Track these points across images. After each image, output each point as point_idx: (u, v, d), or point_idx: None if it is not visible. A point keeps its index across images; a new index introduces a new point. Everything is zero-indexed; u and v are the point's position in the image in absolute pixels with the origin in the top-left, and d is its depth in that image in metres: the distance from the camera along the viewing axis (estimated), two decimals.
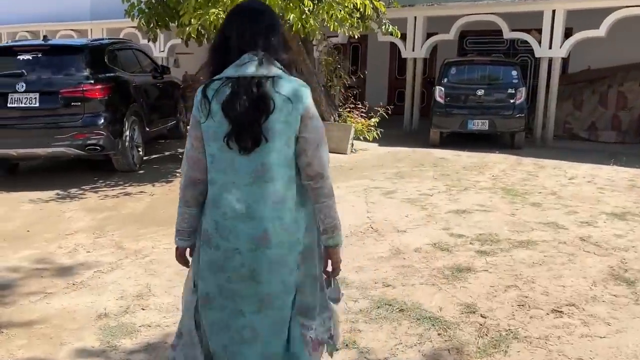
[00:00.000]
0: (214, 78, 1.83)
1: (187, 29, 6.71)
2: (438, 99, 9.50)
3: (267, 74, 1.78)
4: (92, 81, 6.61)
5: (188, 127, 1.95)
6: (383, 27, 9.36)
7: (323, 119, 9.32)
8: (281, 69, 1.83)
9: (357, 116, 8.97)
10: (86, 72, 6.67)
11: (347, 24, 8.23)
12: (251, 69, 1.77)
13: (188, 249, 2.06)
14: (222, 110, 1.77)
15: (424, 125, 10.81)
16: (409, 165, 7.90)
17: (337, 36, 12.12)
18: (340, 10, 7.72)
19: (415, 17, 11.18)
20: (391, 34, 9.51)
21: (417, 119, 11.69)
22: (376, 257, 4.15)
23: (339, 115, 9.12)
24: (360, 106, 9.08)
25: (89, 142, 6.56)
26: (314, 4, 7.56)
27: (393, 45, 13.42)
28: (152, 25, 8.03)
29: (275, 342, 1.90)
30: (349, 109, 9.18)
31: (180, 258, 2.08)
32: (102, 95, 6.65)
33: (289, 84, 1.80)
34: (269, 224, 1.79)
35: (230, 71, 1.80)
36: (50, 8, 17.70)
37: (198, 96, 1.83)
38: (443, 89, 9.47)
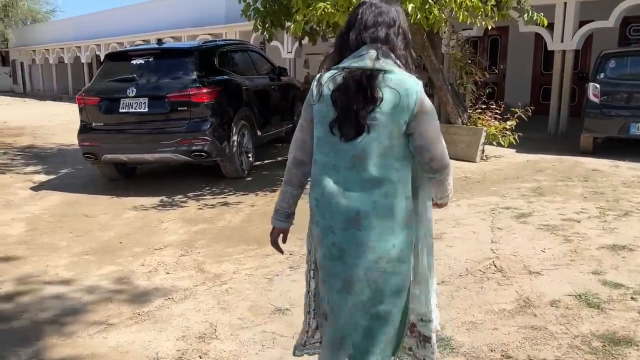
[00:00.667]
0: (332, 68, 1.91)
1: (293, 26, 6.15)
2: (592, 97, 7.96)
3: (380, 67, 1.82)
4: (199, 85, 6.35)
5: None
6: (525, 15, 8.06)
7: (449, 121, 8.29)
8: (397, 64, 1.86)
9: (490, 118, 7.80)
10: (193, 76, 6.43)
11: (480, 13, 7.15)
12: (366, 62, 1.83)
13: (282, 235, 2.14)
14: (331, 96, 1.86)
15: (574, 128, 9.26)
16: (551, 178, 6.61)
17: (471, 29, 10.99)
18: None
19: (566, 3, 9.60)
20: (536, 23, 8.19)
21: (565, 120, 10.08)
22: (497, 310, 3.19)
23: (469, 118, 8.02)
24: (494, 107, 7.89)
25: (193, 148, 6.32)
26: None
27: (538, 37, 11.80)
28: (267, 25, 7.65)
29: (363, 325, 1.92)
30: (480, 110, 8.04)
31: (275, 244, 2.15)
32: (209, 99, 6.36)
33: (399, 78, 1.83)
34: (361, 207, 1.83)
35: (347, 62, 1.87)
36: (189, 14, 18.58)
37: (314, 82, 1.93)
38: (598, 85, 7.91)
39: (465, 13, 6.94)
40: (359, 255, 1.85)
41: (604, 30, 9.99)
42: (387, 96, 1.79)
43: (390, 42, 1.87)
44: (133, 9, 22.76)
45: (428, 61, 7.89)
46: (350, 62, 1.85)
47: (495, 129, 7.74)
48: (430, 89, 8.23)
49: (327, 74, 1.89)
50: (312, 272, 2.07)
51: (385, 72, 1.81)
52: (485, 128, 7.66)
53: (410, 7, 5.91)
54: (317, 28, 7.49)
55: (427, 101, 1.85)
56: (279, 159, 8.39)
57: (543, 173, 6.89)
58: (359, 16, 1.91)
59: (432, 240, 2.06)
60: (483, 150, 7.85)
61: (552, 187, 6.11)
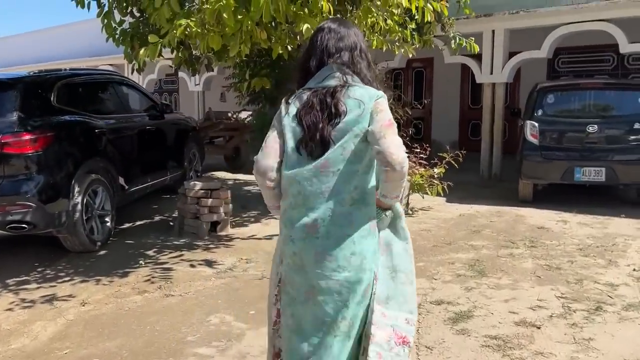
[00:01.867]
0: (296, 91, 1.99)
1: (143, 51, 4.55)
2: (530, 138, 6.81)
3: (345, 82, 1.90)
4: (19, 130, 4.57)
5: None
6: (452, 42, 6.87)
7: None
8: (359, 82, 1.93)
9: (414, 164, 6.44)
10: (13, 117, 4.64)
11: (398, 39, 5.84)
12: (330, 82, 1.91)
13: None
14: (297, 114, 1.92)
15: (508, 169, 8.16)
16: (492, 243, 5.26)
17: (392, 59, 9.84)
18: (386, 19, 5.36)
19: (494, 31, 8.58)
20: (465, 52, 7.06)
21: (498, 160, 8.96)
22: None
23: None
24: (418, 150, 6.56)
25: (9, 218, 4.50)
26: (342, 10, 5.26)
27: (465, 68, 10.82)
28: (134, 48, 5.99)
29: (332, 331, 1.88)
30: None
31: None
32: (34, 149, 4.59)
33: (363, 90, 1.88)
34: (319, 214, 1.83)
35: (312, 83, 1.95)
36: (90, 43, 16.56)
37: (283, 102, 2.00)
38: (537, 124, 6.78)
39: (380, 38, 5.61)
40: (319, 264, 1.84)
41: (532, 62, 9.07)
42: (350, 107, 1.85)
43: (355, 65, 1.94)
44: (28, 37, 20.40)
45: None
46: (316, 83, 1.93)
47: (421, 176, 6.38)
48: None
49: (294, 95, 1.96)
50: (275, 298, 2.01)
51: (349, 86, 1.89)
52: (408, 177, 6.29)
53: (304, 27, 4.48)
54: (200, 54, 5.93)
55: (384, 103, 1.87)
56: (157, 218, 6.63)
57: (481, 235, 5.55)
58: (319, 42, 1.97)
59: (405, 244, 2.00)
60: (408, 203, 6.47)
61: (494, 259, 4.74)
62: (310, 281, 1.85)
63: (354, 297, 1.84)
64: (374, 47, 5.59)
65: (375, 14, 5.08)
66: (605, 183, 6.59)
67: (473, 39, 6.73)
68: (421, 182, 6.38)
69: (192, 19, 4.28)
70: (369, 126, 1.81)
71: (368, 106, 1.82)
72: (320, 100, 1.87)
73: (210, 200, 5.69)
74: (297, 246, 1.86)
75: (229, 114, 9.79)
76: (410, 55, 6.00)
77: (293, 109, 1.91)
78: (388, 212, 1.94)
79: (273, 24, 4.76)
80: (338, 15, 5.31)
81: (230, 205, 5.94)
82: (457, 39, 6.83)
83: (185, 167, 7.62)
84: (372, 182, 1.90)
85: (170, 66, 6.42)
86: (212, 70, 6.26)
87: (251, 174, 2.35)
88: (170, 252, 5.15)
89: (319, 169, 1.84)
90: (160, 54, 4.79)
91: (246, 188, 8.55)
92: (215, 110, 10.67)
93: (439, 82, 12.85)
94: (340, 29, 1.96)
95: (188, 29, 4.22)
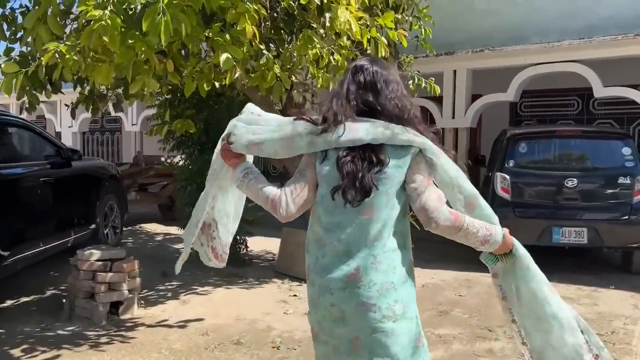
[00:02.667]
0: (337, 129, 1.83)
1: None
2: (500, 192, 5.90)
3: (387, 138, 1.80)
4: None
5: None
6: (410, 82, 5.96)
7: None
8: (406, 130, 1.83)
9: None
10: None
11: (341, 74, 4.85)
12: (375, 136, 1.80)
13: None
14: (337, 160, 1.81)
15: None
16: (464, 331, 4.20)
17: None
18: (332, 53, 4.37)
19: (455, 71, 7.81)
20: (425, 94, 6.17)
21: None
22: None
23: None
24: None
25: None
26: (278, 39, 4.28)
27: (425, 111, 10.02)
28: (27, 87, 4.77)
29: None
30: None
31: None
32: None
33: (407, 137, 1.80)
34: (360, 262, 1.76)
35: (350, 135, 1.81)
36: None
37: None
38: (508, 177, 5.88)
39: (327, 75, 4.62)
40: (362, 316, 1.75)
41: (495, 105, 8.32)
42: (391, 154, 1.79)
43: (400, 112, 1.86)
44: None
45: None
46: (356, 136, 1.80)
47: None
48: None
49: (333, 135, 1.81)
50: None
51: (391, 131, 1.81)
52: None
53: (223, 57, 3.42)
54: (106, 91, 4.79)
55: (430, 148, 1.81)
56: (49, 292, 5.30)
57: (450, 318, 4.48)
58: (356, 81, 1.90)
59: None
60: None
61: (468, 355, 3.67)
62: (354, 333, 1.78)
63: (404, 349, 1.77)
64: (319, 86, 4.60)
65: (318, 45, 4.09)
66: (587, 246, 5.70)
67: (433, 79, 5.86)
68: None
69: (67, 42, 3.17)
70: (408, 178, 1.80)
71: (409, 154, 1.80)
72: (362, 154, 1.79)
73: (109, 274, 4.45)
74: (335, 297, 1.78)
75: (162, 158, 8.62)
76: None
77: (333, 154, 1.82)
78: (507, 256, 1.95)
79: (183, 52, 3.70)
80: (271, 46, 4.33)
81: (138, 279, 4.71)
82: (416, 78, 5.93)
83: (97, 224, 6.35)
84: (408, 224, 1.89)
85: (66, 105, 5.25)
86: (122, 110, 5.12)
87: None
88: (45, 351, 3.85)
89: (358, 216, 1.78)
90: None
91: (176, 246, 7.30)
92: (148, 154, 9.46)
93: None
94: (379, 69, 1.91)
95: (58, 56, 3.10)
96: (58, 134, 14.87)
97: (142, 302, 4.83)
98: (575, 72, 7.10)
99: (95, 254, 4.51)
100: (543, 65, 7.02)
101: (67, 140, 14.45)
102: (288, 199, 1.85)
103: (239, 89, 5.22)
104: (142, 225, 9.15)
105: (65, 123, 13.64)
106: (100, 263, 4.45)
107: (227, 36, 3.52)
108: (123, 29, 3.09)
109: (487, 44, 7.35)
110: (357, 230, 1.77)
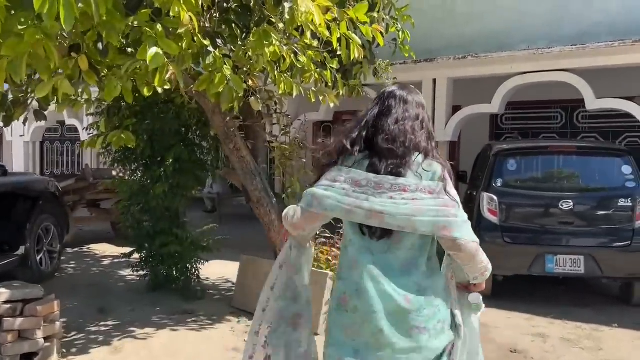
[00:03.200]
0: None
1: None
2: (487, 215, 5.23)
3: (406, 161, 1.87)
4: None
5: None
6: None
7: (277, 254, 5.00)
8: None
9: (327, 251, 4.69)
10: None
11: (315, 81, 4.15)
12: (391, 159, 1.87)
13: None
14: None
15: None
16: None
17: (320, 110, 8.30)
18: (296, 53, 3.65)
19: (435, 80, 7.18)
20: None
21: None
22: None
23: None
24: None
25: None
26: (231, 35, 3.56)
27: None
28: None
29: None
30: (324, 238, 4.90)
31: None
32: None
33: (426, 167, 1.87)
34: (406, 289, 1.80)
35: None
36: None
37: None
38: (496, 198, 5.22)
39: (290, 80, 3.91)
40: (412, 339, 1.80)
41: (474, 117, 7.73)
42: (415, 186, 1.84)
43: (426, 148, 1.90)
44: None
45: (236, 158, 4.68)
46: (383, 192, 1.82)
47: None
48: (247, 202, 4.99)
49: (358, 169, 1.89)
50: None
51: (412, 162, 1.87)
52: (330, 273, 4.49)
53: (151, 52, 2.67)
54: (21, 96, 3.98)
55: (445, 179, 1.88)
56: None
57: None
58: (390, 109, 1.92)
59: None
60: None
61: None
62: (403, 353, 1.81)
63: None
64: (280, 92, 3.90)
65: (277, 43, 3.36)
66: (584, 276, 5.05)
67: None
68: None
69: None
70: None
71: (431, 185, 1.84)
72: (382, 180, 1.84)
73: (20, 320, 3.62)
74: (383, 323, 1.78)
75: (114, 172, 7.77)
76: (332, 105, 4.32)
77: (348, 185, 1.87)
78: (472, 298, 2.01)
79: (101, 46, 2.93)
80: (219, 42, 3.58)
81: (59, 323, 3.88)
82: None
83: (27, 250, 5.49)
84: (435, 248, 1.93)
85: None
86: (44, 119, 4.31)
87: None
88: None
89: (393, 242, 1.84)
90: None
91: (123, 273, 6.43)
92: (96, 168, 8.58)
93: None
94: (409, 97, 1.96)
95: None
96: (9, 144, 13.86)
97: (64, 350, 4.00)
98: (560, 83, 6.55)
99: (2, 294, 3.67)
100: (530, 75, 6.44)
101: (19, 151, 13.44)
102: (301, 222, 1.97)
103: (188, 95, 4.48)
104: (92, 246, 8.25)
105: (17, 132, 12.62)
106: (8, 306, 3.62)
107: (159, 27, 2.77)
108: (11, 11, 2.34)
109: (469, 50, 6.75)
110: (390, 255, 1.83)
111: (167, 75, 2.73)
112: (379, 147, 1.87)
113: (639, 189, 5.01)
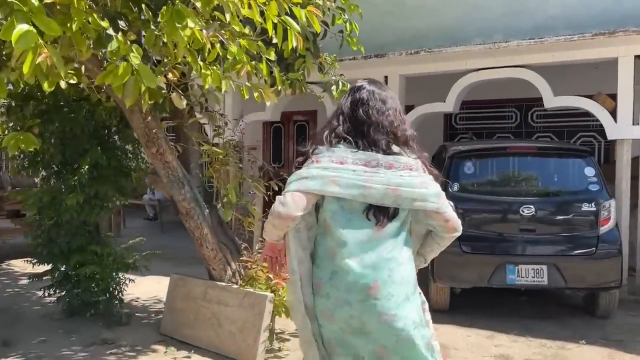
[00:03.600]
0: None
1: None
2: None
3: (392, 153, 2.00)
4: None
5: None
6: (334, 88, 4.77)
7: (211, 276, 4.33)
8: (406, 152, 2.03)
9: (277, 270, 4.13)
10: None
11: (242, 72, 3.57)
12: (375, 153, 1.98)
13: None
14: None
15: None
16: None
17: (266, 110, 7.75)
18: (222, 42, 3.07)
19: (387, 77, 6.73)
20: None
21: None
22: None
23: (245, 269, 4.24)
24: None
25: None
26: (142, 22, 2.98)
27: None
28: None
29: None
30: (255, 255, 4.31)
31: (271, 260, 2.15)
32: None
33: (407, 159, 1.99)
34: (378, 276, 1.87)
35: (347, 151, 1.97)
36: None
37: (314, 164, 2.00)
38: (452, 204, 4.72)
39: (219, 72, 3.34)
40: (385, 326, 1.86)
41: (426, 117, 7.32)
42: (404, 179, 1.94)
43: (397, 129, 2.00)
44: None
45: (161, 164, 4.07)
46: (356, 151, 1.95)
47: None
48: (176, 214, 4.36)
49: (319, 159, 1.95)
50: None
51: (396, 155, 1.98)
52: (270, 294, 3.92)
53: (19, 29, 2.06)
54: None
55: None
56: None
57: None
58: (357, 105, 2.02)
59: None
60: (271, 336, 4.07)
61: None
62: (379, 342, 1.88)
63: (426, 352, 1.93)
64: (206, 86, 3.33)
65: (194, 26, 2.78)
66: (547, 287, 4.68)
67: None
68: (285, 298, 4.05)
69: None
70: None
71: (416, 172, 1.96)
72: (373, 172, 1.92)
73: None
74: (355, 309, 1.86)
75: (36, 180, 6.98)
76: (268, 103, 3.76)
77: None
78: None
79: None
80: (122, 23, 2.98)
81: None
82: (340, 83, 4.76)
83: None
84: (410, 239, 2.04)
85: None
86: None
87: None
88: None
89: (374, 232, 1.92)
90: None
91: (40, 295, 5.64)
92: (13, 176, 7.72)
93: None
94: (384, 93, 2.06)
95: None
96: None
97: None
98: (516, 81, 6.20)
99: None
100: (486, 71, 6.06)
101: None
102: (286, 207, 1.92)
103: (101, 91, 3.83)
104: (12, 262, 7.40)
105: None
106: None
107: (35, 1, 2.18)
108: None
109: (422, 45, 6.32)
110: (373, 245, 1.91)
111: (40, 59, 2.13)
112: (364, 137, 1.96)
113: (602, 192, 4.68)
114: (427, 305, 2.08)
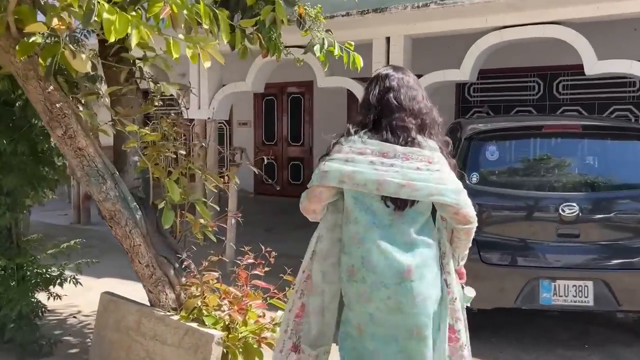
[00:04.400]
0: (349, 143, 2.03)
1: None
2: None
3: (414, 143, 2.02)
4: None
5: None
6: (317, 48, 3.57)
7: (153, 302, 3.14)
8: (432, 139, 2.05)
9: (222, 293, 3.04)
10: None
11: (163, 15, 2.39)
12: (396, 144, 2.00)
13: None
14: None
15: None
16: None
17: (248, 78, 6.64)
18: None
19: (389, 39, 5.54)
20: (354, 74, 3.90)
21: None
22: None
23: (194, 289, 3.16)
24: (254, 257, 3.15)
25: None
26: None
27: (352, 96, 7.76)
28: None
29: None
30: (195, 271, 3.21)
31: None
32: None
33: (428, 151, 2.00)
34: (411, 260, 1.94)
35: (372, 139, 2.01)
36: None
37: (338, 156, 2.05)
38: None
39: (126, 17, 2.20)
40: (420, 305, 1.94)
41: (435, 88, 6.14)
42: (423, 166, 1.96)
43: (429, 125, 2.03)
44: None
45: (71, 151, 2.96)
46: (380, 140, 1.98)
47: (253, 329, 2.96)
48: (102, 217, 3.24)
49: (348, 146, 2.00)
50: (299, 293, 2.14)
51: (419, 143, 1.99)
52: (219, 334, 2.83)
53: None
54: None
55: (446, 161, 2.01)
56: None
57: None
58: (382, 92, 2.05)
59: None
60: None
61: None
62: (415, 320, 1.95)
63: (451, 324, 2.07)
64: (110, 38, 2.18)
65: None
66: (593, 308, 3.58)
67: (352, 45, 3.52)
68: (251, 333, 2.96)
69: None
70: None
71: (436, 166, 1.95)
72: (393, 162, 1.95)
73: None
74: (392, 291, 1.93)
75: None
76: (208, 65, 2.61)
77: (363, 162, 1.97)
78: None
79: None
80: None
81: None
82: (326, 42, 3.56)
83: None
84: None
85: None
86: None
87: None
88: None
89: (396, 215, 1.97)
90: None
91: None
92: None
93: (321, 111, 9.81)
94: (406, 77, 2.09)
95: None
96: None
97: None
98: (539, 45, 5.05)
99: None
100: (512, 30, 4.84)
101: None
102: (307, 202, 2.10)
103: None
104: None
105: None
106: None
107: None
108: None
109: None
110: (397, 229, 1.97)
111: None
112: (393, 124, 1.98)
113: None
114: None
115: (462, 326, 2.08)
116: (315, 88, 9.80)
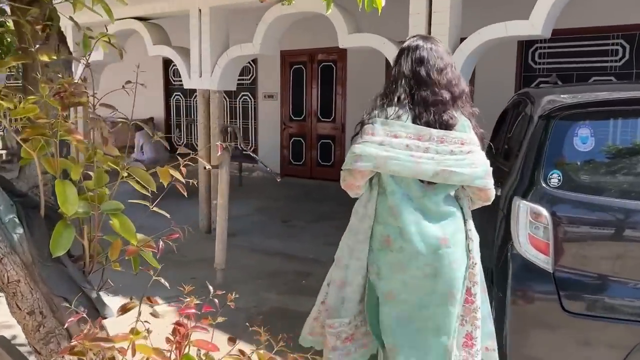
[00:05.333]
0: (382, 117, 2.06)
1: None
2: (527, 249, 2.37)
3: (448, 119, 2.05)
4: None
5: None
6: None
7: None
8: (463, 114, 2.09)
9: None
10: None
11: None
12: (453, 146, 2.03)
13: None
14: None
15: None
16: None
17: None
18: None
19: None
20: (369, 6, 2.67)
21: None
22: None
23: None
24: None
25: None
26: None
27: (390, 65, 6.43)
28: None
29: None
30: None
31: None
32: None
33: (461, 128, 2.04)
34: (446, 229, 2.02)
35: (404, 116, 2.02)
36: None
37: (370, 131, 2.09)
38: (546, 213, 2.33)
39: None
40: (456, 270, 2.01)
41: (491, 49, 4.71)
42: (456, 143, 2.01)
43: (458, 96, 2.05)
44: None
45: None
46: (415, 115, 2.00)
47: None
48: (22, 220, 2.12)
49: (380, 122, 2.01)
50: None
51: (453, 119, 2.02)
52: None
53: None
54: None
55: (470, 137, 2.03)
56: None
57: None
58: (425, 61, 2.04)
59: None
60: None
61: None
62: (448, 285, 2.00)
63: (482, 286, 2.12)
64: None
65: None
66: None
67: None
68: None
69: None
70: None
71: (467, 147, 1.99)
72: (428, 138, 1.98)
73: None
74: (429, 258, 1.99)
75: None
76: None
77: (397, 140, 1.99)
78: None
79: None
80: None
81: None
82: None
83: None
84: None
85: None
86: None
87: None
88: None
89: (427, 187, 2.02)
90: None
91: None
92: None
93: (356, 81, 8.47)
94: (436, 47, 2.08)
95: None
96: None
97: None
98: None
99: None
100: None
101: None
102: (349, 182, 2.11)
103: None
104: None
105: None
106: None
107: None
108: None
109: None
110: (427, 200, 2.01)
111: None
112: (426, 98, 1.99)
113: None
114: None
115: (479, 289, 2.07)
116: (349, 55, 8.49)
